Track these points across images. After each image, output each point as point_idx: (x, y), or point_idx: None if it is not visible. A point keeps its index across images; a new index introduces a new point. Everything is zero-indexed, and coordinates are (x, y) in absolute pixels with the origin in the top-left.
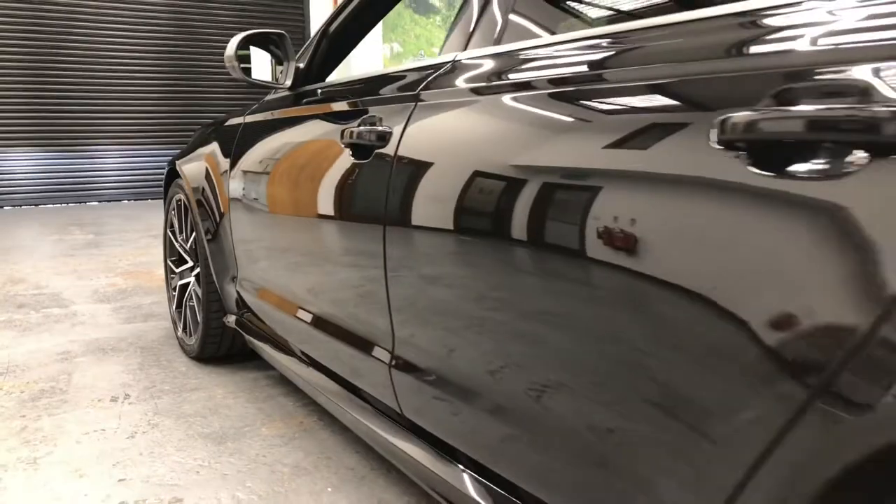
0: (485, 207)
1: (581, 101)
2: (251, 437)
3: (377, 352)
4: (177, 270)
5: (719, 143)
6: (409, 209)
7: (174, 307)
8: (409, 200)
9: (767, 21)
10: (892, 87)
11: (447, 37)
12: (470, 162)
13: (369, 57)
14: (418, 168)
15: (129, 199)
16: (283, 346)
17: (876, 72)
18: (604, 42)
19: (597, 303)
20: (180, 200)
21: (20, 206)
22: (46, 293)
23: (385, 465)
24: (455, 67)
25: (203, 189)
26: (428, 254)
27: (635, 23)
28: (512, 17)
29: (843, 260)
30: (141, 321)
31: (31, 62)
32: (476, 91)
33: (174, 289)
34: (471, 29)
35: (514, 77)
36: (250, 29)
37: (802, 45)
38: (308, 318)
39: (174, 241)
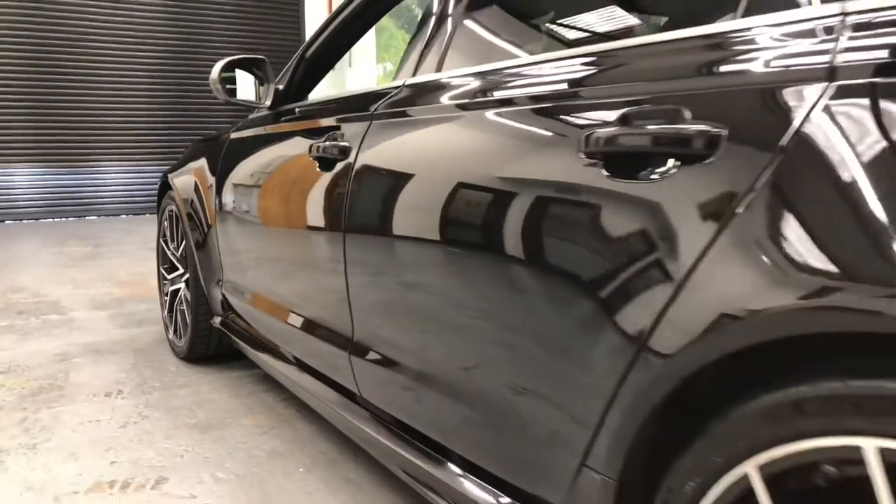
0: (423, 212)
1: (487, 120)
2: (233, 427)
3: (339, 341)
4: (169, 277)
5: (584, 154)
6: (364, 215)
7: (166, 311)
8: (364, 207)
9: (609, 61)
10: (693, 114)
11: (400, 65)
12: (411, 171)
13: (365, 75)
14: (371, 178)
15: (127, 214)
16: (261, 343)
17: (683, 100)
18: (507, 72)
19: (507, 292)
20: (172, 211)
21: (21, 220)
22: (46, 301)
23: (353, 450)
24: (404, 91)
25: (192, 201)
26: (379, 255)
27: (533, 57)
28: (449, 51)
29: (661, 241)
30: (135, 326)
31: (34, 82)
32: (418, 111)
33: (166, 294)
34: (418, 59)
35: (447, 100)
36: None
37: (634, 81)
38: (282, 315)
39: (166, 249)
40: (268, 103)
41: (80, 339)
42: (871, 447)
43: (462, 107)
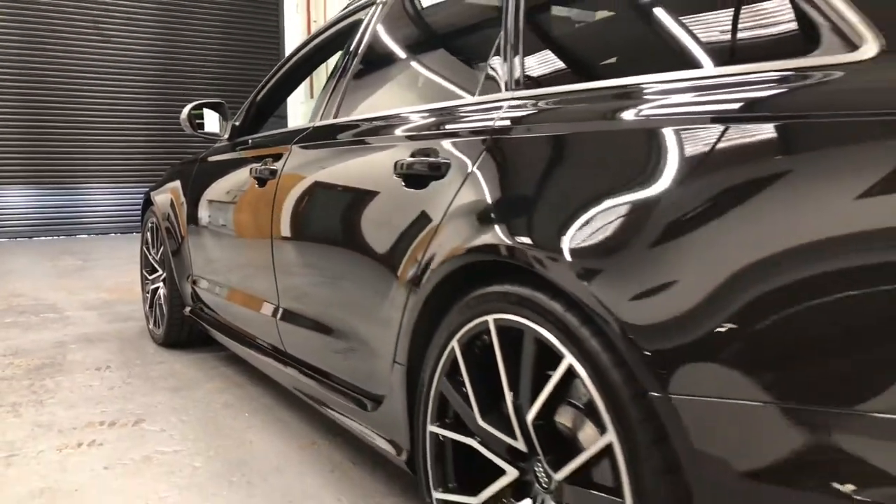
0: (316, 214)
1: (354, 152)
2: (196, 389)
3: (268, 308)
4: (150, 277)
5: (395, 173)
6: (284, 220)
7: (147, 306)
8: (284, 214)
9: (401, 120)
10: (437, 154)
11: (314, 109)
12: (311, 188)
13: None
14: (288, 193)
15: (116, 233)
16: (219, 322)
17: (433, 147)
18: (366, 122)
19: (353, 263)
20: (153, 223)
21: (15, 237)
22: (43, 303)
23: (289, 400)
24: (312, 131)
25: (169, 215)
26: (292, 248)
27: (381, 113)
28: (343, 103)
29: (427, 217)
30: (121, 322)
31: (27, 108)
32: (321, 146)
33: (147, 292)
34: (323, 107)
35: (336, 138)
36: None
37: (418, 132)
38: (234, 298)
39: (148, 254)
40: (226, 136)
41: (74, 331)
42: (491, 320)
43: (342, 143)
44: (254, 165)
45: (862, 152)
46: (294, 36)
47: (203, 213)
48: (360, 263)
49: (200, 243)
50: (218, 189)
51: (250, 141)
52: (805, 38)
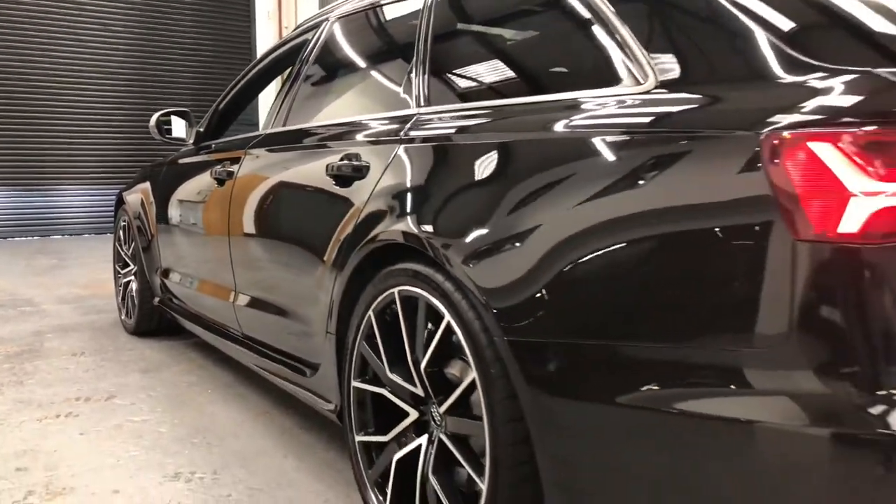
0: (263, 210)
1: (295, 156)
2: (165, 371)
3: (227, 294)
4: (122, 272)
5: (327, 174)
6: (239, 216)
7: (119, 298)
8: (238, 211)
9: (338, 129)
10: (359, 157)
11: (266, 119)
12: (261, 187)
13: None
14: (242, 192)
15: (90, 234)
16: (185, 310)
17: (358, 152)
18: (306, 130)
19: (291, 252)
20: (125, 221)
21: None
22: (20, 298)
23: (248, 379)
24: (263, 137)
25: (139, 213)
26: (245, 240)
27: (317, 122)
28: (291, 112)
29: (352, 208)
30: (95, 314)
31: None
32: (271, 150)
33: (120, 286)
34: (274, 115)
35: (283, 144)
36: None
37: (345, 140)
38: (198, 287)
39: (120, 250)
40: (191, 141)
41: (50, 322)
42: (396, 292)
43: (287, 149)
44: (215, 167)
45: (633, 158)
46: (266, 42)
47: (170, 212)
48: (300, 252)
49: (168, 239)
50: (183, 189)
51: (213, 145)
52: (614, 73)
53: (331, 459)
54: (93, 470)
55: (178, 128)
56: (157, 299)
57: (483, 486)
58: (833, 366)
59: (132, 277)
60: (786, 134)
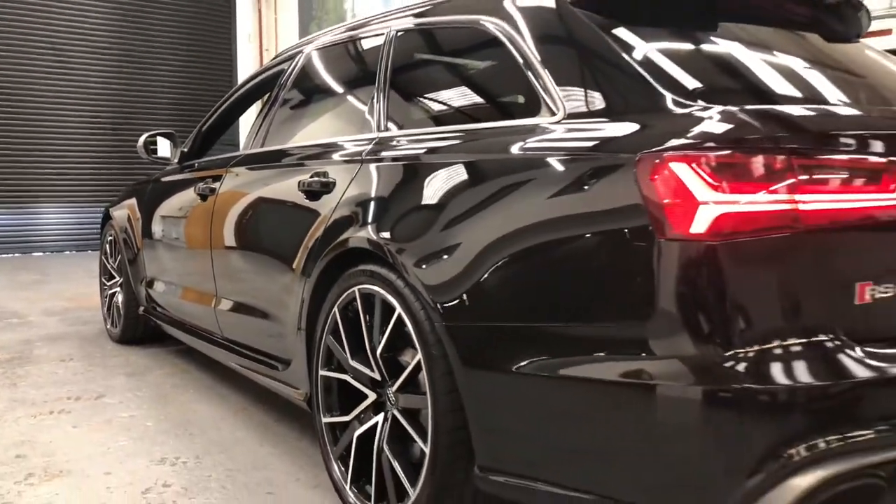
0: (242, 223)
1: (272, 173)
2: (149, 375)
3: (209, 301)
4: (108, 283)
5: (299, 189)
6: (220, 229)
7: (105, 309)
8: (220, 224)
9: (314, 149)
10: (327, 175)
11: (245, 140)
12: (240, 203)
13: None
14: (223, 208)
15: (71, 250)
16: (169, 317)
17: (325, 171)
18: (282, 151)
19: (265, 261)
20: (112, 235)
21: None
22: (7, 311)
23: (228, 380)
24: (243, 157)
25: (126, 228)
26: (226, 251)
27: (293, 143)
28: (269, 134)
29: (320, 218)
30: (81, 325)
31: None
32: (250, 169)
33: (106, 297)
34: (253, 136)
35: (260, 163)
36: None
37: (317, 160)
38: (181, 295)
39: (107, 263)
40: (175, 161)
41: (38, 332)
42: (357, 290)
43: (265, 167)
44: (198, 184)
45: (543, 176)
46: (246, 64)
47: (156, 226)
48: (275, 259)
49: (154, 251)
50: (168, 205)
51: (196, 164)
52: (534, 105)
53: (303, 447)
54: (86, 457)
55: (164, 148)
56: (142, 308)
57: (426, 449)
58: (692, 334)
59: (118, 289)
60: (654, 156)
